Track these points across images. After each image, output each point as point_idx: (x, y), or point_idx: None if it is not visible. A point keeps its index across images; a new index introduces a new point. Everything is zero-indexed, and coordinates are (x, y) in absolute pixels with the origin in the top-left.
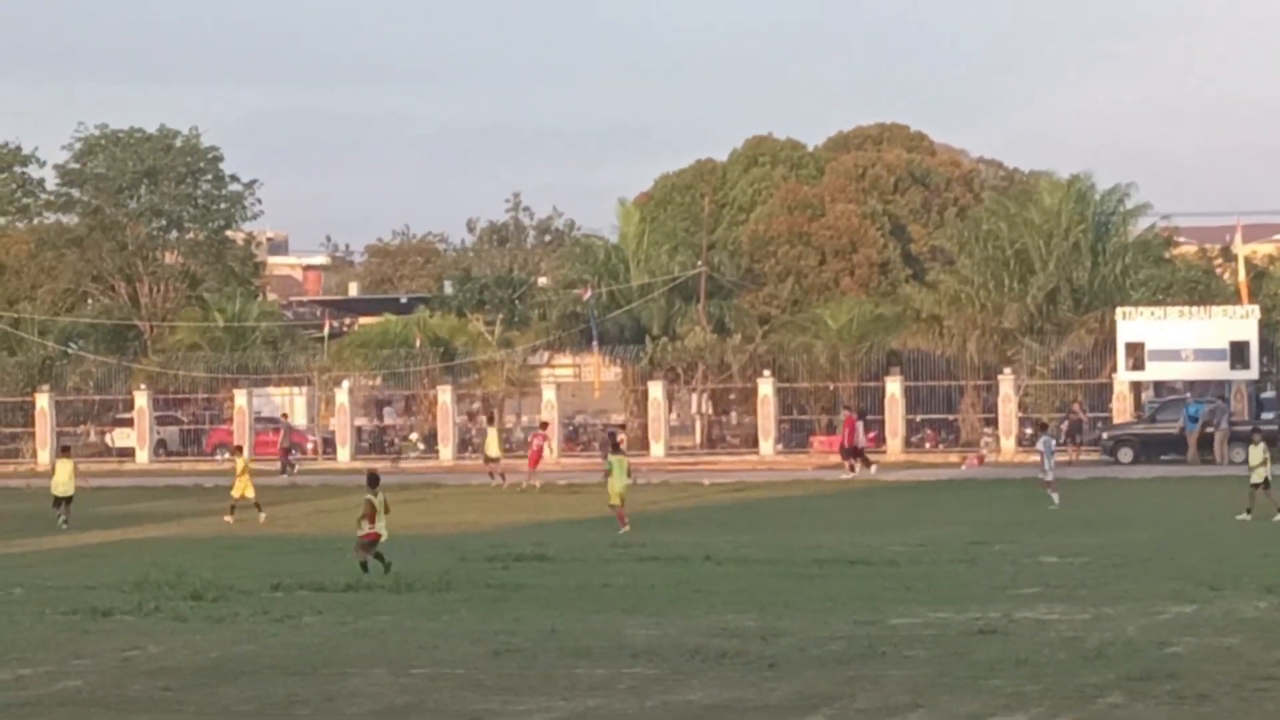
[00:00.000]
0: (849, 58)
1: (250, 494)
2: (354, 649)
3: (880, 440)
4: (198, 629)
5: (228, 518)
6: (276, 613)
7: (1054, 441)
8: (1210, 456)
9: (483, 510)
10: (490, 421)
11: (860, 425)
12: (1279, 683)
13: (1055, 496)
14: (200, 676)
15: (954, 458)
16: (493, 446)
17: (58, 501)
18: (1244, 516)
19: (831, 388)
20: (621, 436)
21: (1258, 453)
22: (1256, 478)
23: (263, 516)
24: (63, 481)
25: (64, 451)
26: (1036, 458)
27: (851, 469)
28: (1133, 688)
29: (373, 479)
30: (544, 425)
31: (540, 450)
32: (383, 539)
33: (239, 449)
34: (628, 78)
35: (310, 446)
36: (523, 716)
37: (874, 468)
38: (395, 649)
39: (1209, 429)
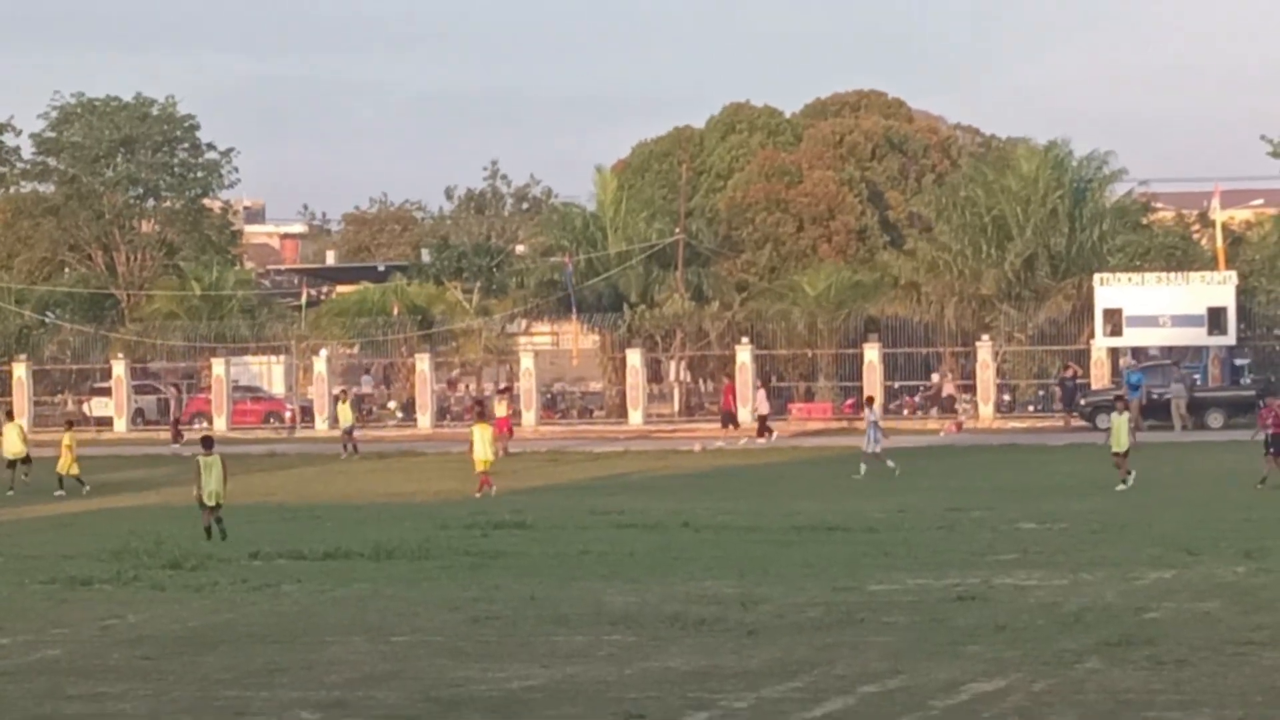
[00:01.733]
0: (826, 25)
1: (74, 470)
2: (333, 617)
3: (859, 407)
4: (177, 598)
5: (58, 492)
6: (255, 581)
7: (878, 413)
8: (1169, 424)
9: (462, 478)
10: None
11: (761, 393)
12: (1257, 647)
13: (891, 463)
14: (179, 645)
15: (932, 424)
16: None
17: (11, 464)
18: (1123, 486)
19: (810, 355)
20: (503, 398)
21: (1121, 421)
22: (1117, 446)
23: (59, 493)
24: (13, 444)
25: (8, 416)
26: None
27: (760, 435)
28: (1111, 653)
29: (207, 442)
30: (502, 390)
31: (505, 418)
32: (216, 504)
33: (70, 424)
34: (605, 45)
35: (288, 415)
36: (502, 684)
37: (756, 441)
38: (374, 617)
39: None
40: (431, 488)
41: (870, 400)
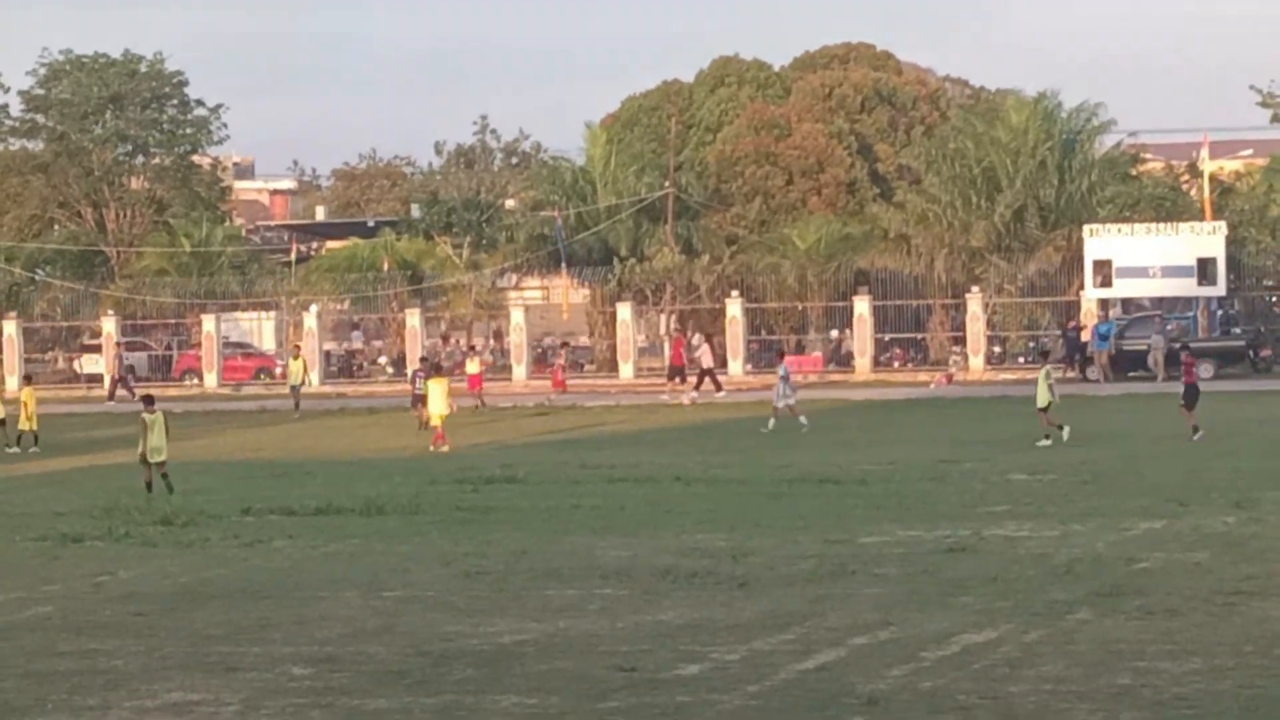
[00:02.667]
0: None
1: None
2: (325, 572)
3: (850, 359)
4: (168, 554)
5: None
6: (247, 537)
7: (790, 369)
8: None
9: (451, 433)
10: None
11: (705, 347)
12: (1246, 597)
13: (803, 419)
14: (171, 601)
15: (923, 376)
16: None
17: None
18: (1044, 443)
19: (800, 307)
20: (474, 356)
21: (1041, 376)
22: (1041, 401)
23: (13, 450)
24: None
25: None
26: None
27: (705, 391)
28: (1102, 603)
29: (148, 400)
30: (472, 348)
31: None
32: (160, 460)
33: (29, 379)
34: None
35: (279, 370)
36: (494, 638)
37: (723, 391)
38: (366, 572)
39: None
40: (421, 443)
41: (782, 355)
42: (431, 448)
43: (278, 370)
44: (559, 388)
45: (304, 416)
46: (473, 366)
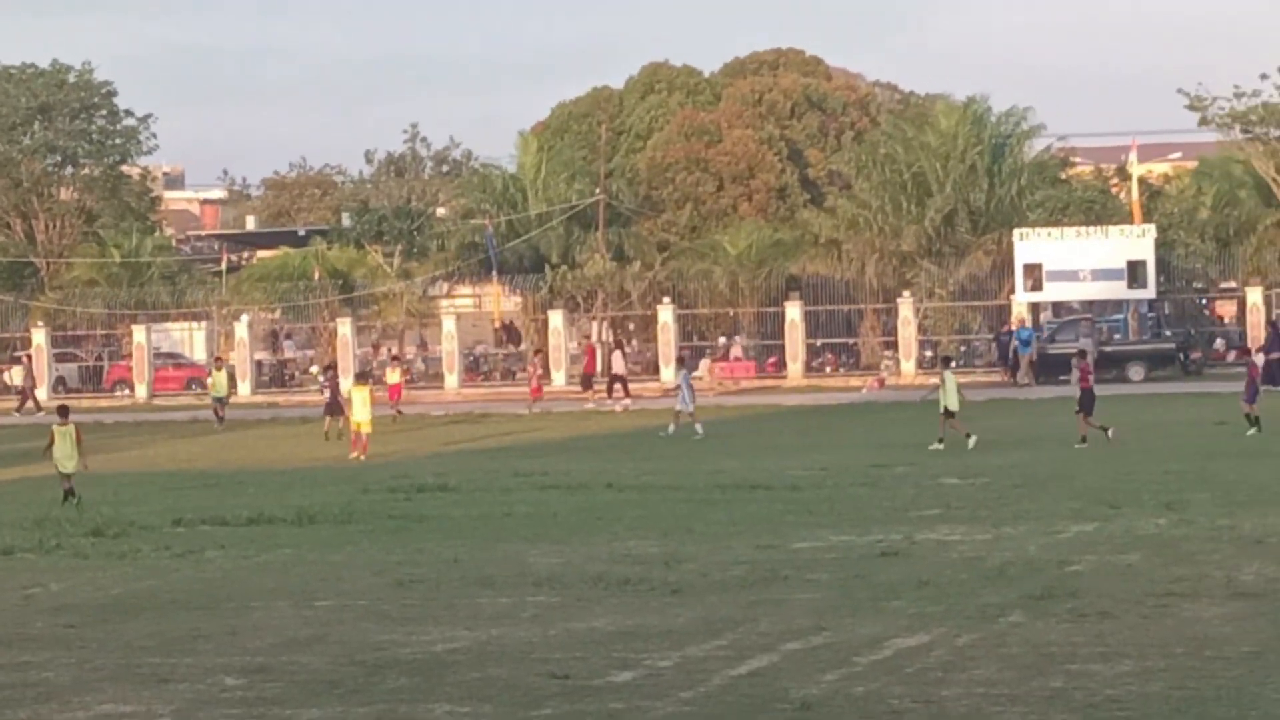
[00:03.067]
0: None
1: None
2: (257, 582)
3: (781, 365)
4: (99, 565)
5: None
6: (178, 548)
7: (690, 374)
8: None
9: (384, 442)
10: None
11: (617, 354)
12: (1178, 599)
13: (699, 427)
14: (103, 613)
15: (855, 381)
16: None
17: None
18: (937, 446)
19: (732, 313)
20: (395, 365)
21: (951, 379)
22: (951, 405)
23: None
24: None
25: None
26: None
27: (601, 395)
28: (1034, 606)
29: (63, 411)
30: (395, 357)
31: (398, 385)
32: (68, 473)
33: None
34: (524, 6)
35: (210, 381)
36: (427, 647)
37: (605, 404)
38: (298, 582)
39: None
40: (354, 452)
41: (682, 360)
42: (351, 455)
43: (209, 380)
44: (536, 396)
45: (227, 429)
46: (393, 376)
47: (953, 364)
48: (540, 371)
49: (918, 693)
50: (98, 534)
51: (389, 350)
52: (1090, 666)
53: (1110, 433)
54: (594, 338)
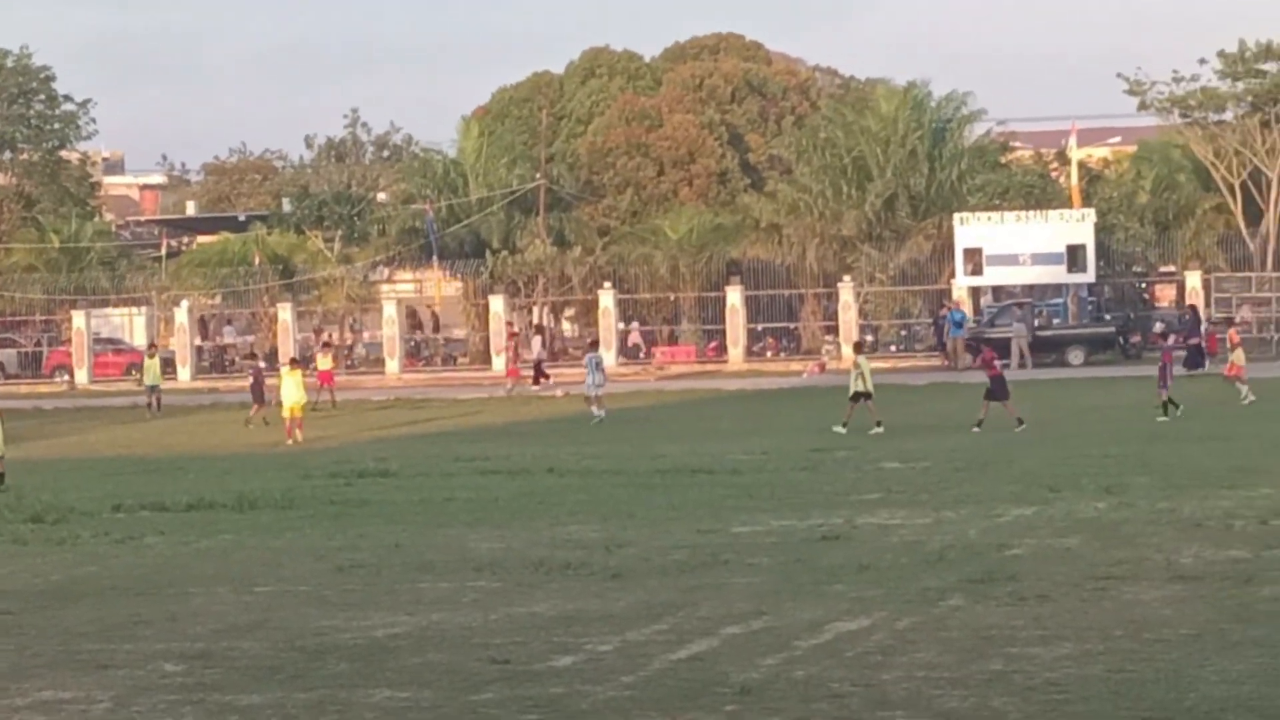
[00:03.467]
0: None
1: None
2: (197, 568)
3: (722, 350)
4: (38, 552)
5: None
6: (118, 534)
7: (599, 357)
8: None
9: (324, 427)
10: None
11: (537, 339)
12: (1117, 582)
13: (598, 411)
14: (42, 599)
15: (796, 366)
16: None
17: None
18: (839, 429)
19: (672, 298)
20: (326, 351)
21: (864, 363)
22: (858, 386)
23: None
24: None
25: None
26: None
27: (536, 381)
28: (974, 590)
29: None
30: (325, 343)
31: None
32: None
33: None
34: None
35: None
36: (367, 632)
37: (536, 388)
38: (238, 567)
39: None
40: (289, 438)
41: (594, 344)
42: (287, 441)
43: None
44: (513, 376)
45: (166, 414)
46: (324, 362)
47: (865, 348)
48: (517, 354)
49: (858, 676)
50: (37, 520)
51: (327, 336)
52: (1030, 650)
53: (1021, 428)
54: (534, 320)
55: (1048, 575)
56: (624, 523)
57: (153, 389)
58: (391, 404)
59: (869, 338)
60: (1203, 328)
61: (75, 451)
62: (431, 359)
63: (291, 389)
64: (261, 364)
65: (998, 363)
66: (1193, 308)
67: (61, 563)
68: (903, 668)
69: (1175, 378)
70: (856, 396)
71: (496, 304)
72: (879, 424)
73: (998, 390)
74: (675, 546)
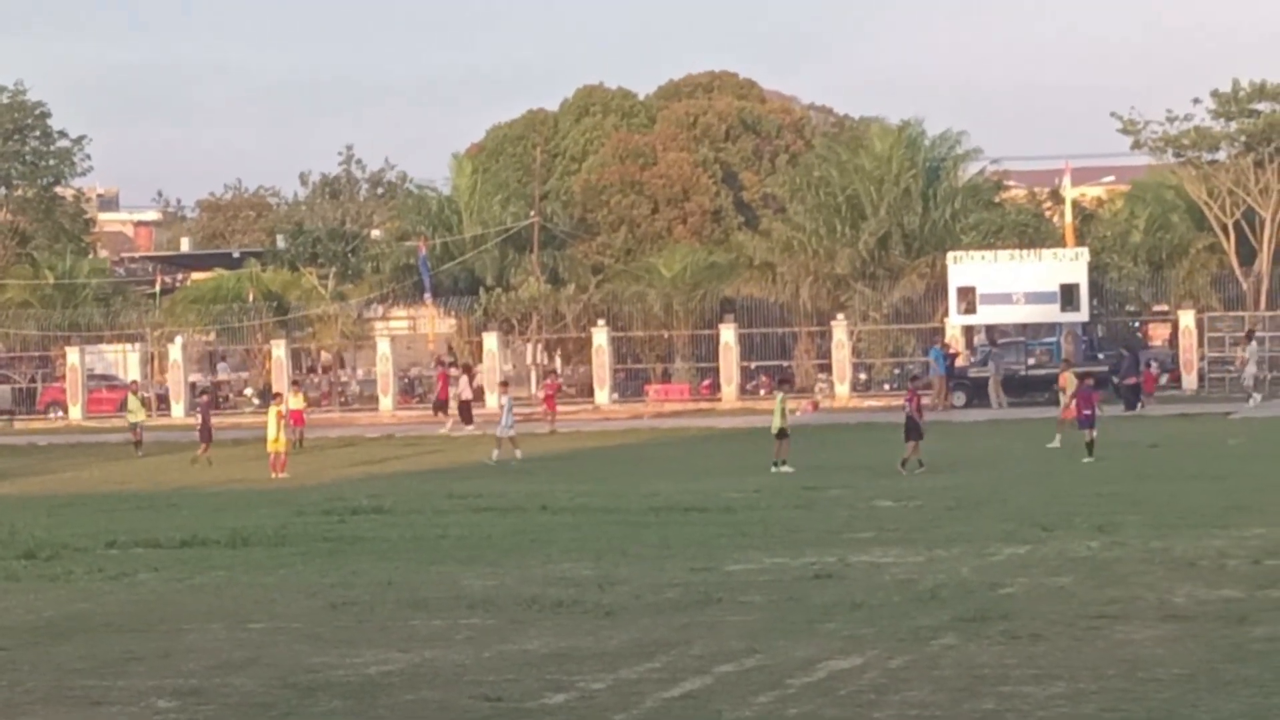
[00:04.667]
0: (678, 5)
1: None
2: (190, 605)
3: (716, 388)
4: (31, 588)
5: None
6: (111, 570)
7: (511, 400)
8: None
9: (318, 464)
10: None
11: (464, 379)
12: (1110, 621)
13: (496, 453)
14: (35, 635)
15: (789, 403)
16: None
17: None
18: (787, 470)
19: (666, 336)
20: (297, 390)
21: (779, 404)
22: (779, 424)
23: None
24: None
25: None
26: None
27: (459, 423)
28: (967, 629)
29: None
30: (295, 383)
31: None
32: None
33: None
34: (457, 29)
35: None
36: (360, 669)
37: (470, 427)
38: (231, 604)
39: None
40: (274, 472)
41: (505, 385)
42: (273, 476)
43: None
44: (551, 410)
45: (157, 451)
46: (295, 401)
47: (786, 386)
48: (555, 387)
49: (851, 715)
50: (30, 556)
51: (332, 371)
52: (1023, 689)
53: (906, 466)
54: (529, 359)
55: (1041, 614)
56: (617, 560)
57: (134, 426)
58: (351, 442)
59: (862, 376)
60: (1140, 367)
61: (69, 487)
62: (425, 396)
63: (272, 425)
64: (208, 401)
65: (920, 400)
66: (1127, 349)
67: (55, 599)
68: (895, 706)
69: (1115, 417)
70: (781, 433)
71: (490, 341)
72: (785, 463)
73: (911, 430)
74: (668, 584)
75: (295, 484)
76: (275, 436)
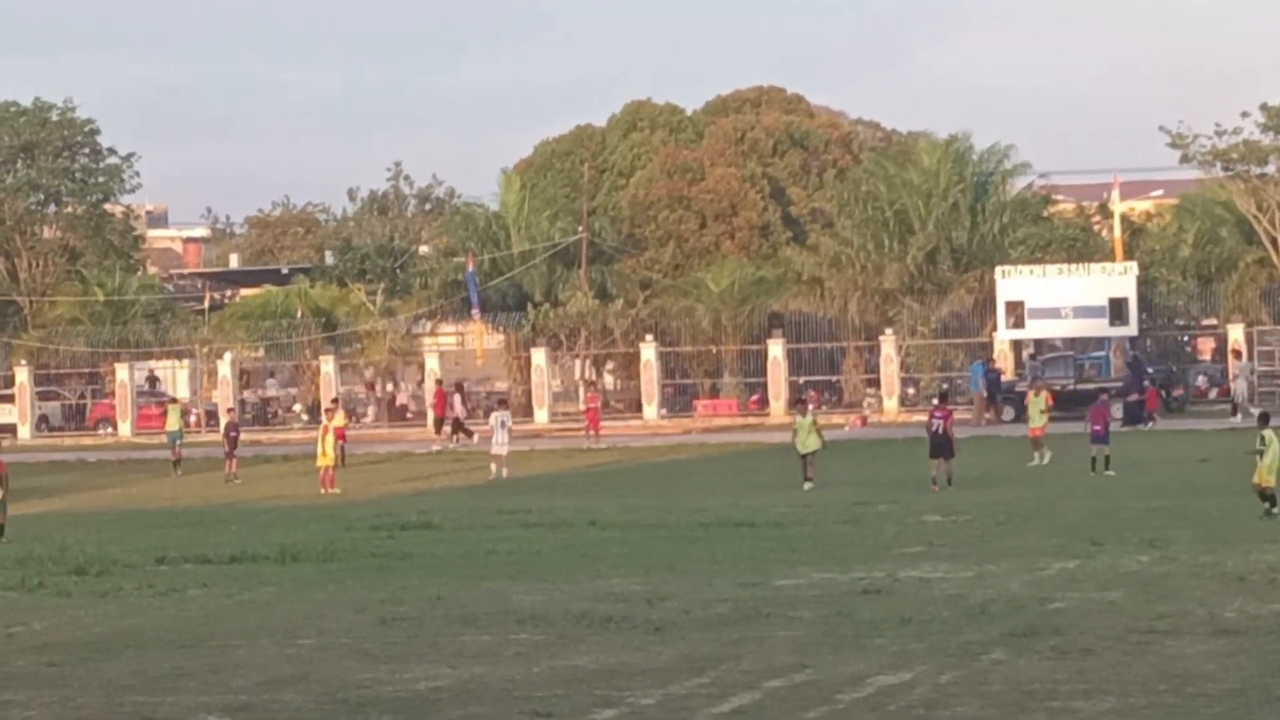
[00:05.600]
0: (725, 21)
1: None
2: (239, 621)
3: (764, 403)
4: (82, 604)
5: None
6: (161, 586)
7: (505, 417)
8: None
9: (367, 480)
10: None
11: (457, 397)
12: (1160, 636)
13: (495, 469)
14: (85, 651)
15: (837, 419)
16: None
17: None
18: (809, 486)
19: (714, 351)
20: (334, 410)
21: (810, 423)
22: (810, 446)
23: None
24: None
25: None
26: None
27: (455, 439)
28: (1016, 644)
29: None
30: (334, 401)
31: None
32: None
33: None
34: (507, 44)
35: (193, 418)
36: (409, 684)
37: (475, 437)
38: (281, 620)
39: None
40: (335, 489)
41: (503, 403)
42: (322, 492)
43: (192, 418)
44: (595, 428)
45: (185, 473)
46: (338, 420)
47: (802, 406)
48: (598, 404)
49: None
50: (80, 572)
51: (380, 388)
52: (1073, 704)
53: (936, 483)
54: (578, 374)
55: (1090, 629)
56: (666, 576)
57: (173, 443)
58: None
59: (911, 390)
60: (1144, 384)
61: (119, 503)
62: (474, 411)
63: (320, 443)
64: (234, 421)
65: (951, 418)
66: (1133, 364)
67: (105, 615)
68: None
69: (1122, 431)
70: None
71: (538, 356)
72: (809, 480)
73: (940, 447)
74: (717, 600)
75: (344, 500)
76: (324, 452)
